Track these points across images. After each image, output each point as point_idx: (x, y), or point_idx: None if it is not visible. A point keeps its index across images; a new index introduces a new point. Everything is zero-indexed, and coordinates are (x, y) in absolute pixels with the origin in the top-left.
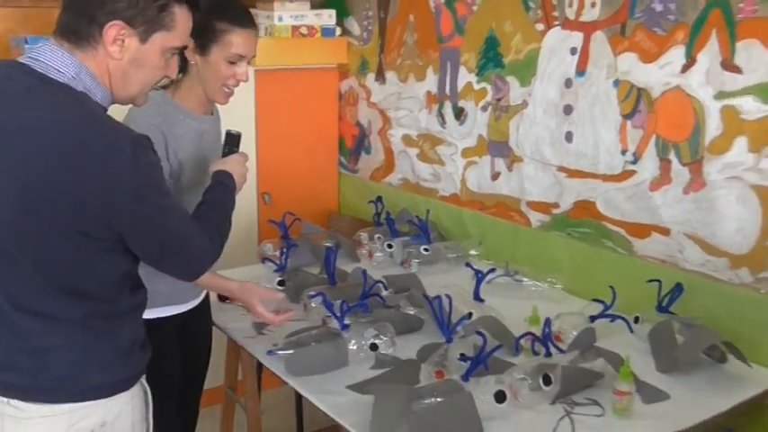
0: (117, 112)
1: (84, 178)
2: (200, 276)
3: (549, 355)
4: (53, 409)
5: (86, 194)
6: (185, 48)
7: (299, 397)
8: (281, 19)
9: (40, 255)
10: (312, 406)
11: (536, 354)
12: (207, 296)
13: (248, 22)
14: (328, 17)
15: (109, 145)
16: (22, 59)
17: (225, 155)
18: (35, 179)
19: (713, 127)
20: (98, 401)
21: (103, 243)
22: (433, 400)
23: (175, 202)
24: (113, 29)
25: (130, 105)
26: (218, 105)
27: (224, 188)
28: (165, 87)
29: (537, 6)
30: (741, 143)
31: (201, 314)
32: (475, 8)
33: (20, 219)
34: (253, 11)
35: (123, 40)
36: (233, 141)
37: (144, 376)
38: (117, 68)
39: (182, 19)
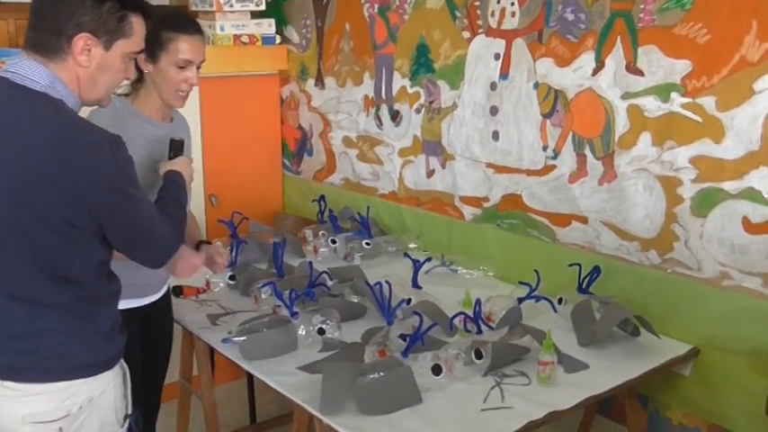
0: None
1: (69, 174)
2: (165, 263)
3: (480, 332)
4: (45, 387)
5: (71, 188)
6: (142, 51)
7: (251, 390)
8: (222, 28)
9: (31, 244)
10: (263, 398)
11: (468, 331)
12: (168, 292)
13: (192, 29)
14: (268, 26)
15: (90, 144)
16: (4, 74)
17: (170, 158)
18: (25, 175)
19: (621, 124)
20: (85, 380)
21: (86, 233)
22: (376, 374)
23: (145, 195)
24: (81, 40)
25: (91, 108)
26: (177, 111)
27: (177, 185)
28: (126, 95)
29: (463, 16)
30: (646, 138)
31: (162, 309)
32: (406, 17)
33: (13, 212)
34: None
35: (90, 50)
36: (177, 146)
37: (122, 358)
38: (85, 75)
39: (138, 26)
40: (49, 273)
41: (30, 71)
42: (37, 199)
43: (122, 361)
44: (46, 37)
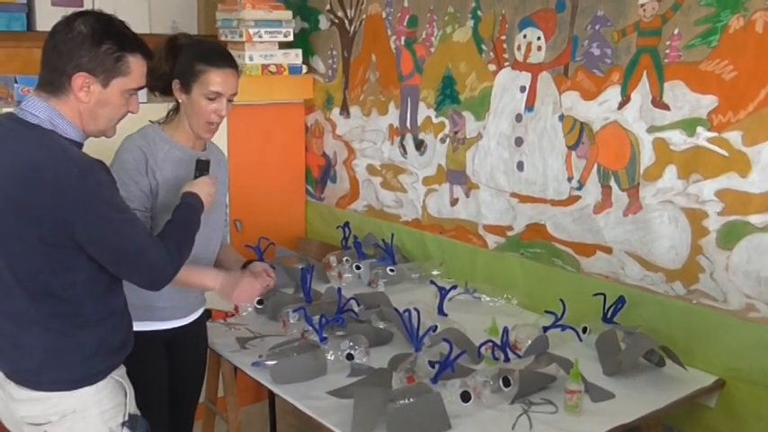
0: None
1: (38, 194)
2: (162, 286)
3: (507, 360)
4: (29, 395)
5: (41, 208)
6: (142, 88)
7: (272, 413)
8: (251, 58)
9: (11, 259)
10: (284, 422)
11: (496, 359)
12: (200, 318)
13: (223, 63)
14: (295, 56)
15: (59, 167)
16: (15, 111)
17: (196, 178)
18: (1, 198)
19: (647, 157)
20: (61, 393)
21: (67, 250)
22: (406, 400)
23: (132, 216)
24: (79, 78)
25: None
26: (214, 144)
27: (190, 207)
28: (160, 123)
29: (489, 49)
30: (671, 171)
31: (193, 334)
32: (432, 50)
33: None
34: None
35: (89, 87)
36: (203, 166)
37: (116, 371)
38: (86, 110)
39: (136, 65)
40: (30, 287)
41: (31, 106)
42: (11, 218)
43: (114, 375)
44: (51, 76)
